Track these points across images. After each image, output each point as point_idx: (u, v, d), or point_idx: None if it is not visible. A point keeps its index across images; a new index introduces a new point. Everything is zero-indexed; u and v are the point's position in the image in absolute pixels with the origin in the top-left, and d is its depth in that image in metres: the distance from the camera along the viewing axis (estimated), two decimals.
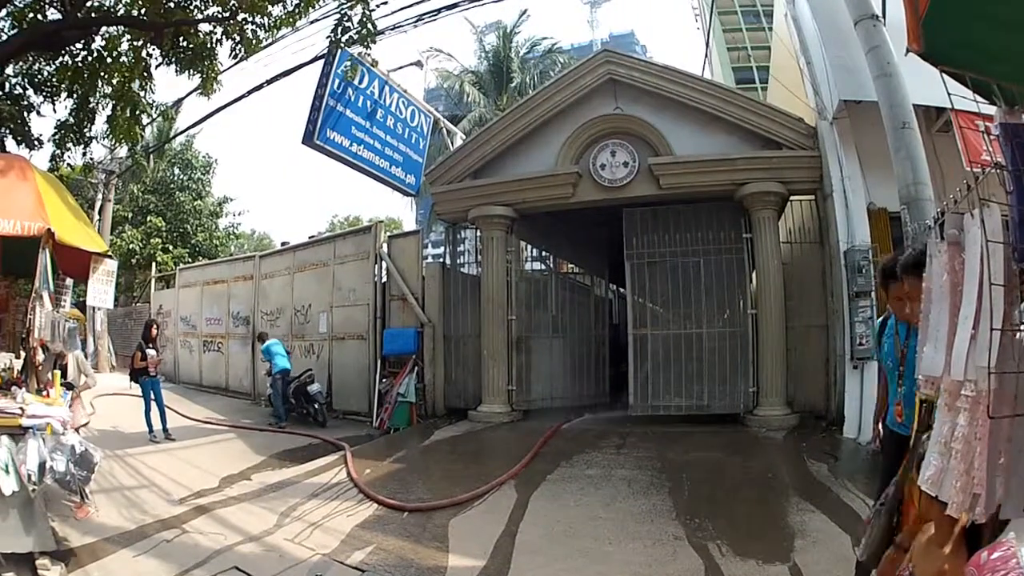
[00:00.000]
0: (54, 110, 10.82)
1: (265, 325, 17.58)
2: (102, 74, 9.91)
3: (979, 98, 2.88)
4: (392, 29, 14.02)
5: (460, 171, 13.54)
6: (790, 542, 6.13)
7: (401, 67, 15.95)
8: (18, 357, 7.28)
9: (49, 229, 6.22)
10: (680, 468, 8.84)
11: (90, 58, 9.88)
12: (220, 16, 9.69)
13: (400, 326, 14.31)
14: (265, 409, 15.05)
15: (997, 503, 2.35)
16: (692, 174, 11.79)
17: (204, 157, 33.06)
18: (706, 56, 23.22)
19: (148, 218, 29.95)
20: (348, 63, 12.70)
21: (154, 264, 27.41)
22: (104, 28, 9.84)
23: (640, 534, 6.45)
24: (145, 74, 10.06)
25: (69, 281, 8.17)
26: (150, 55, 10.02)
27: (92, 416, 11.64)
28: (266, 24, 9.77)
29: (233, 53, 9.94)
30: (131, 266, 28.73)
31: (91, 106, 10.33)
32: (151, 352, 11.97)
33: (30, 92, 10.66)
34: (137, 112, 10.20)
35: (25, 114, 10.65)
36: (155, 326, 12.76)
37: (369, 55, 12.02)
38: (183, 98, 20.28)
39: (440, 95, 32.90)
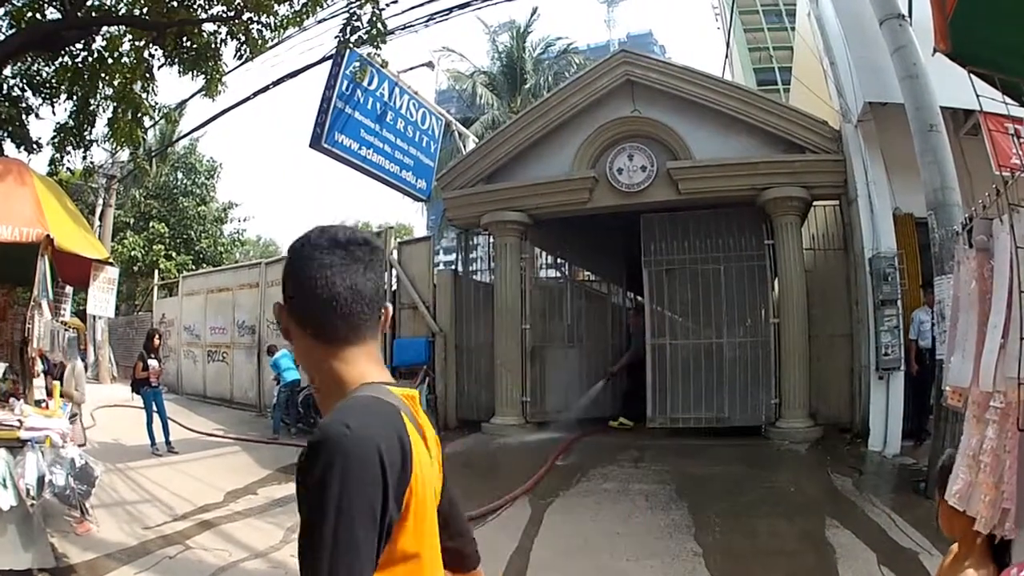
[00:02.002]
0: (53, 112, 10.86)
1: (271, 335, 17.63)
2: (103, 75, 9.93)
3: (1008, 100, 2.89)
4: (402, 29, 14.03)
5: (472, 175, 13.58)
6: (814, 559, 6.12)
7: (412, 68, 15.93)
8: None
9: (48, 235, 6.27)
10: (700, 482, 8.84)
11: (90, 59, 9.91)
12: (225, 15, 9.72)
13: (411, 336, 14.33)
14: (272, 421, 15.06)
15: None
16: (712, 178, 11.77)
17: (208, 161, 33.24)
18: (726, 57, 23.12)
19: (150, 224, 30.15)
20: (357, 64, 12.72)
21: (156, 271, 27.42)
22: (105, 28, 9.86)
23: (659, 550, 6.45)
24: (147, 75, 10.08)
25: (69, 289, 8.24)
26: (152, 56, 10.04)
27: (92, 428, 11.72)
28: (272, 24, 9.79)
29: (238, 54, 9.95)
30: (133, 274, 28.87)
31: (91, 108, 10.34)
32: (153, 362, 12.04)
33: (29, 94, 10.71)
34: (139, 114, 10.22)
35: (24, 116, 10.70)
36: (157, 336, 12.85)
37: (379, 56, 12.00)
38: (186, 100, 20.41)
39: (452, 97, 33.01)
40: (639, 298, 19.11)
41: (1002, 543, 2.42)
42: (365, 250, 1.63)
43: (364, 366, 1.59)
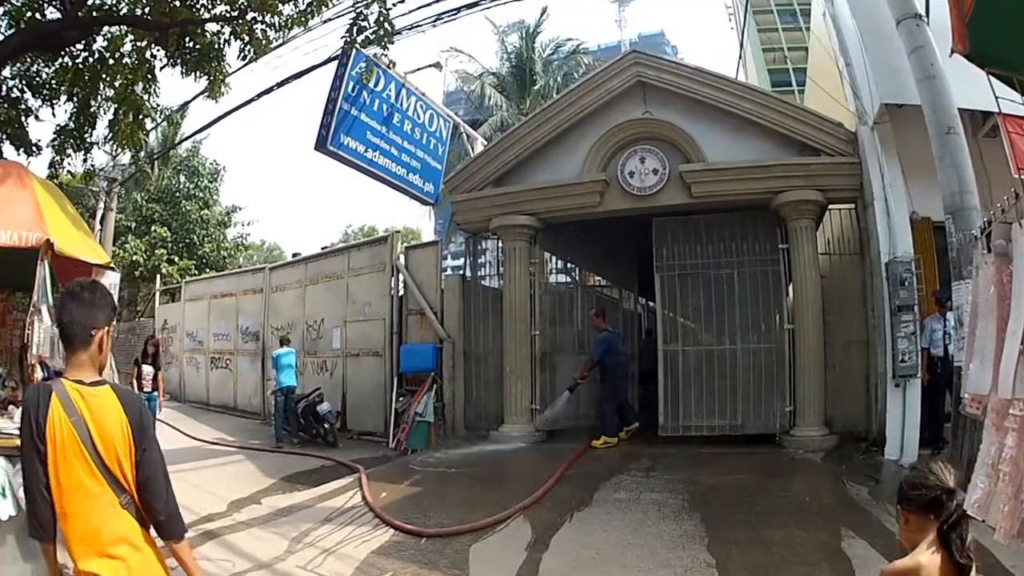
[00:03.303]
0: (53, 114, 10.85)
1: (275, 341, 17.66)
2: (104, 76, 9.95)
3: None
4: (410, 29, 14.02)
5: (481, 178, 13.60)
6: (830, 570, 6.11)
7: (419, 69, 15.94)
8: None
9: (48, 240, 6.28)
10: (713, 491, 8.82)
11: (91, 59, 9.94)
12: (228, 15, 9.73)
13: (418, 342, 14.34)
14: (274, 430, 15.08)
15: None
16: (725, 182, 11.77)
17: (211, 164, 33.18)
18: (740, 57, 23.23)
19: (152, 228, 30.13)
20: (363, 65, 12.69)
21: (159, 276, 27.34)
22: (106, 28, 9.87)
23: (671, 561, 6.44)
24: (149, 76, 10.08)
25: None
26: (154, 56, 10.05)
27: None
28: (277, 24, 9.82)
29: (242, 54, 9.95)
30: (134, 279, 28.84)
31: (92, 110, 10.37)
32: (147, 368, 12.22)
33: (28, 95, 10.72)
34: (141, 116, 10.22)
35: (23, 118, 10.72)
36: (153, 343, 13.02)
37: (386, 56, 11.98)
38: (189, 101, 20.42)
39: (460, 98, 32.90)
40: (646, 299, 19.14)
41: (950, 527, 2.44)
42: (83, 292, 2.81)
43: (71, 368, 2.75)
